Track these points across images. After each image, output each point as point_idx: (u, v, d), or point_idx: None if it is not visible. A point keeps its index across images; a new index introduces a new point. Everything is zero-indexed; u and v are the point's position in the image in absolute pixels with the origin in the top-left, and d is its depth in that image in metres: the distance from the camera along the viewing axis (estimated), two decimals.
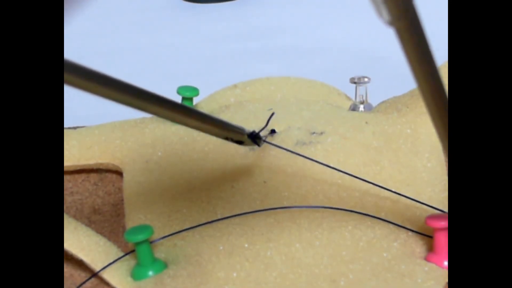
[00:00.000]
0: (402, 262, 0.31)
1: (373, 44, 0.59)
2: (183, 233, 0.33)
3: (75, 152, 0.38)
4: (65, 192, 0.38)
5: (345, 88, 0.44)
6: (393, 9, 0.19)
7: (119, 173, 0.39)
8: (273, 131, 0.37)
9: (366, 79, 0.42)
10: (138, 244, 0.31)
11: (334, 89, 0.44)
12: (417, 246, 0.32)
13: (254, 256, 0.31)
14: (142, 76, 0.52)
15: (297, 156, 0.35)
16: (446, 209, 0.33)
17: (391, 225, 0.33)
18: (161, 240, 0.33)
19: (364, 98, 0.42)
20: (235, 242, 0.32)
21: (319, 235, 0.32)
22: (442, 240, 0.30)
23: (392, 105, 0.41)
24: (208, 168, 0.36)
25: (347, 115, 0.40)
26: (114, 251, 0.32)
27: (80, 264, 0.32)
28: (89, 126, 0.40)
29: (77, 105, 0.49)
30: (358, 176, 0.35)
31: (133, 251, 0.32)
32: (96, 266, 0.31)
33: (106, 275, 0.31)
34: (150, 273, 0.31)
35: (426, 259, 0.31)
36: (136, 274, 0.31)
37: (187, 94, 0.41)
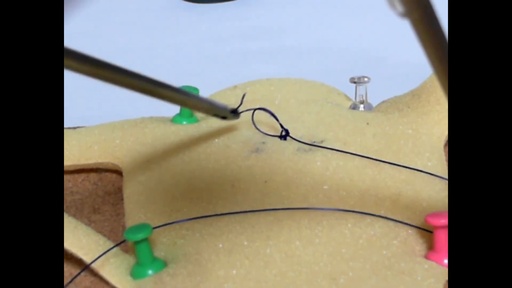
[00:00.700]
0: (402, 260, 0.31)
1: (373, 44, 0.59)
2: (183, 232, 0.33)
3: (75, 152, 0.39)
4: (65, 192, 0.38)
5: (345, 88, 0.44)
6: (407, 0, 0.19)
7: (119, 172, 0.39)
8: (287, 133, 0.38)
9: (366, 79, 0.42)
10: (137, 243, 0.31)
11: (334, 89, 0.44)
12: (417, 244, 0.32)
13: (254, 254, 0.31)
14: None
15: (298, 158, 0.36)
16: (446, 209, 0.33)
17: (391, 223, 0.33)
18: (161, 239, 0.33)
19: (364, 98, 0.42)
20: (235, 240, 0.32)
21: (319, 233, 0.32)
22: (442, 238, 0.30)
23: (393, 105, 0.41)
24: (209, 168, 0.36)
25: (348, 115, 0.40)
26: (113, 251, 0.32)
27: (80, 263, 0.32)
28: (89, 126, 0.40)
29: (77, 105, 0.49)
30: (358, 176, 0.35)
31: (124, 241, 0.32)
32: (96, 265, 0.31)
33: (106, 274, 0.31)
34: (150, 272, 0.31)
35: (426, 257, 0.31)
36: (135, 273, 0.31)
37: None
